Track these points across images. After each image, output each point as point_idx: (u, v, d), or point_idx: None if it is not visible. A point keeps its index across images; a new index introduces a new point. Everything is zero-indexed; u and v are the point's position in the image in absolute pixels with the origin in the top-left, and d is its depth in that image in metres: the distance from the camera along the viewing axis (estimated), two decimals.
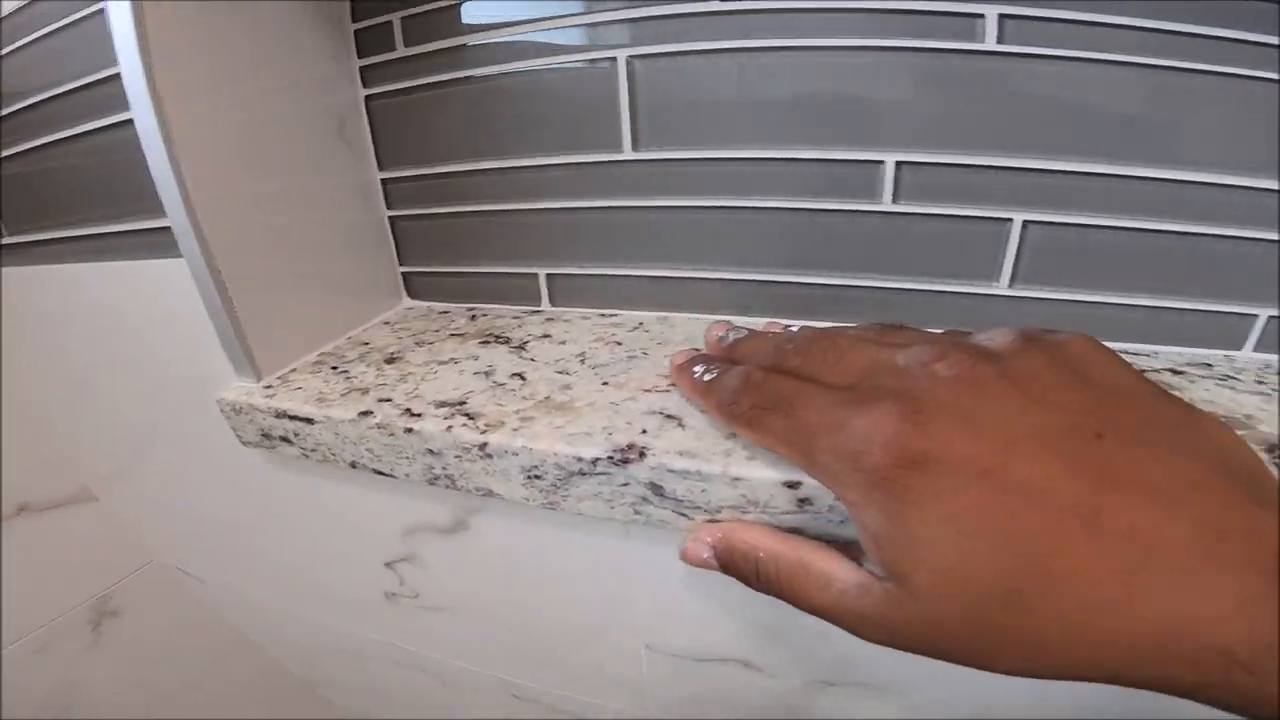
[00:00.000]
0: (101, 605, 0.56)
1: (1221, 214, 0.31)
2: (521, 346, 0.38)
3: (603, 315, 0.42)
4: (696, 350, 0.30)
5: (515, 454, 0.29)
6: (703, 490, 0.26)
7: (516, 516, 0.35)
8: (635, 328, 0.39)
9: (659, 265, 0.39)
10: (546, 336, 0.39)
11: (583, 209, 0.39)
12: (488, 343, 0.39)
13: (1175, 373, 0.32)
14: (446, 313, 0.45)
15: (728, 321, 0.31)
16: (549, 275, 0.42)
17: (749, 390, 0.23)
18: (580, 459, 0.27)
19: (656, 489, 0.27)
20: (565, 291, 0.42)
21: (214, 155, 0.33)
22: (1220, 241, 0.32)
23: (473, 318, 0.44)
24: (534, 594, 0.39)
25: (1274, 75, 0.28)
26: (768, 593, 0.23)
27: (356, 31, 0.40)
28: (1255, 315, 0.33)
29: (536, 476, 0.29)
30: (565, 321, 0.41)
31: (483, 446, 0.29)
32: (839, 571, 0.20)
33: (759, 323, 0.37)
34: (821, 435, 0.20)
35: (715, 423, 0.27)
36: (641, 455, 0.26)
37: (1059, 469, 0.16)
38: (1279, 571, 0.14)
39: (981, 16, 0.30)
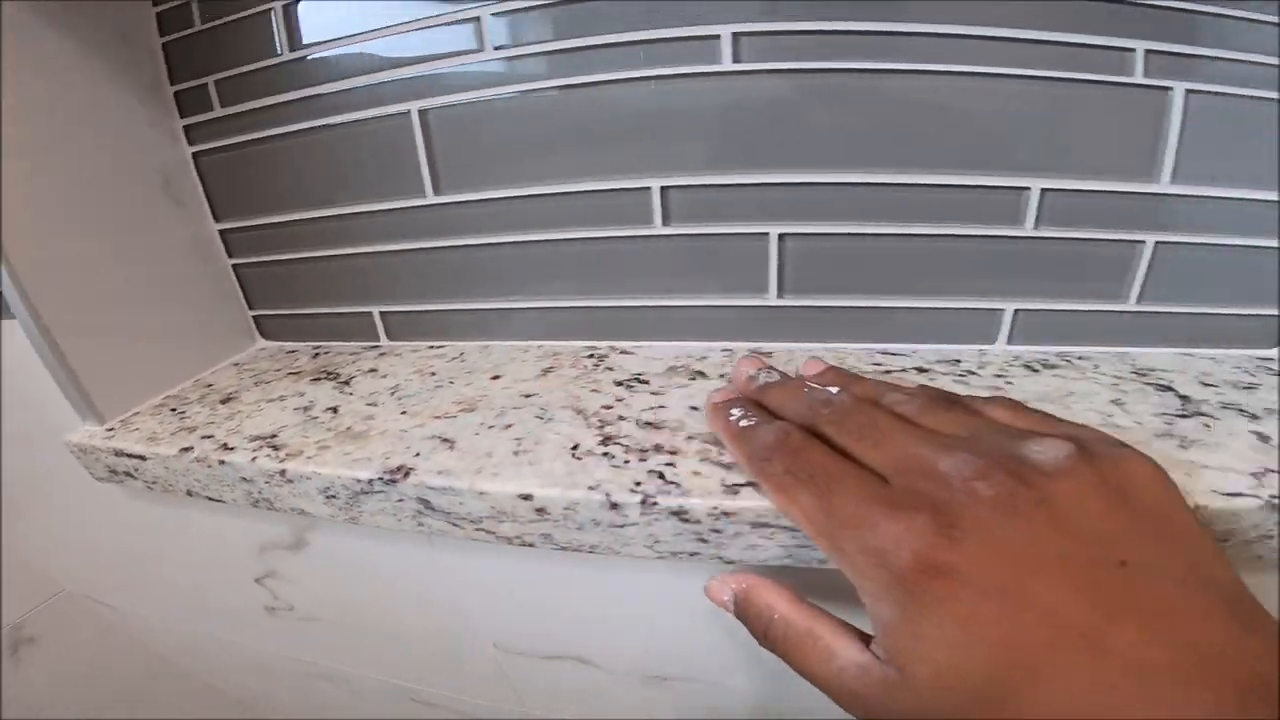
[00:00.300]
0: (15, 634, 0.60)
1: (967, 214, 0.35)
2: (346, 382, 0.42)
3: (431, 347, 0.45)
4: (732, 392, 0.31)
5: (309, 478, 0.33)
6: (460, 503, 0.30)
7: (344, 532, 0.39)
8: (455, 358, 0.43)
9: (476, 299, 0.43)
10: (373, 371, 0.43)
11: (403, 250, 0.43)
12: (318, 379, 0.43)
13: (921, 370, 0.36)
14: (294, 352, 0.49)
15: (759, 358, 0.31)
16: (382, 313, 0.46)
17: (784, 454, 0.24)
18: (359, 480, 0.32)
19: (425, 503, 0.31)
20: (401, 327, 0.46)
21: (33, 219, 0.36)
22: (967, 241, 0.36)
23: (315, 355, 0.47)
24: (387, 602, 0.43)
25: (1013, 71, 0.32)
26: (772, 651, 0.24)
27: (176, 93, 0.43)
28: (1003, 310, 0.37)
29: (332, 496, 0.33)
30: (396, 356, 0.45)
31: (282, 473, 0.33)
32: (843, 649, 0.21)
33: (575, 345, 0.42)
34: (851, 528, 0.20)
35: (738, 466, 0.27)
36: (406, 475, 0.31)
37: (1074, 595, 0.17)
38: (1252, 689, 0.15)
39: (717, 37, 0.33)
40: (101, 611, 0.63)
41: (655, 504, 0.27)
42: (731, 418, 0.27)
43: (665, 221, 0.38)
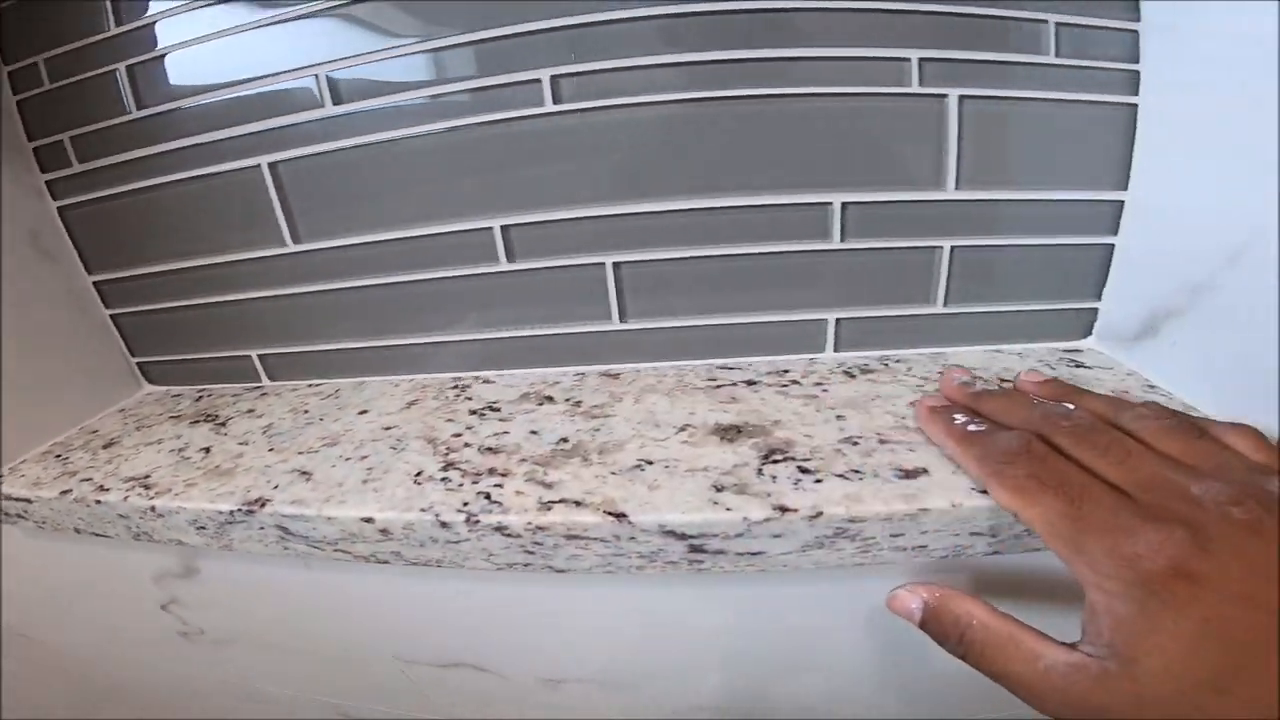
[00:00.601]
0: None
1: (783, 231, 0.40)
2: (224, 423, 0.45)
3: (310, 385, 0.49)
4: (942, 397, 0.33)
5: (177, 512, 0.36)
6: (314, 528, 0.34)
7: (229, 559, 0.42)
8: (331, 395, 0.47)
9: (349, 339, 0.47)
10: (250, 411, 0.46)
11: (273, 296, 0.46)
12: (197, 422, 0.46)
13: (750, 383, 0.41)
14: (179, 396, 0.52)
15: (966, 369, 0.34)
16: (260, 355, 0.49)
17: (1029, 459, 0.25)
18: (220, 511, 0.35)
19: (284, 530, 0.35)
20: (280, 368, 0.49)
21: None
22: (786, 257, 0.40)
23: (198, 399, 0.51)
24: (291, 621, 0.46)
25: (803, 90, 0.37)
26: (962, 657, 0.26)
27: (35, 149, 0.46)
28: (826, 320, 0.42)
29: (201, 527, 0.36)
30: (275, 395, 0.48)
31: (153, 509, 0.37)
32: (1049, 651, 0.23)
33: (442, 378, 0.46)
34: (1103, 535, 0.22)
35: (964, 472, 0.29)
36: (263, 505, 0.34)
37: None
38: None
39: (539, 81, 0.37)
40: (41, 649, 0.66)
41: (479, 522, 0.31)
42: (956, 422, 0.29)
43: (510, 258, 0.42)
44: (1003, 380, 0.38)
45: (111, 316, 0.51)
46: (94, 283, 0.50)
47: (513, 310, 0.43)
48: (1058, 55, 0.36)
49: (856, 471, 0.31)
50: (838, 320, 0.42)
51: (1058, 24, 0.36)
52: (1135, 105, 0.36)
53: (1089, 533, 0.22)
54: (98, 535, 0.40)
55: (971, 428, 0.29)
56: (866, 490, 0.30)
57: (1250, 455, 0.25)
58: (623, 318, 0.42)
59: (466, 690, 0.45)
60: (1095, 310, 0.41)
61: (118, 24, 0.41)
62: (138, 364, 0.53)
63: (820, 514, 0.29)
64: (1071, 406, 0.28)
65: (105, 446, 0.44)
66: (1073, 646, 0.23)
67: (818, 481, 0.31)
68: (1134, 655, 0.21)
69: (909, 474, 0.31)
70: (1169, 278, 0.36)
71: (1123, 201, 0.38)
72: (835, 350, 0.42)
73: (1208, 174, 0.34)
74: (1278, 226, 0.29)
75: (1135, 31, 0.35)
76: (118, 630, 0.55)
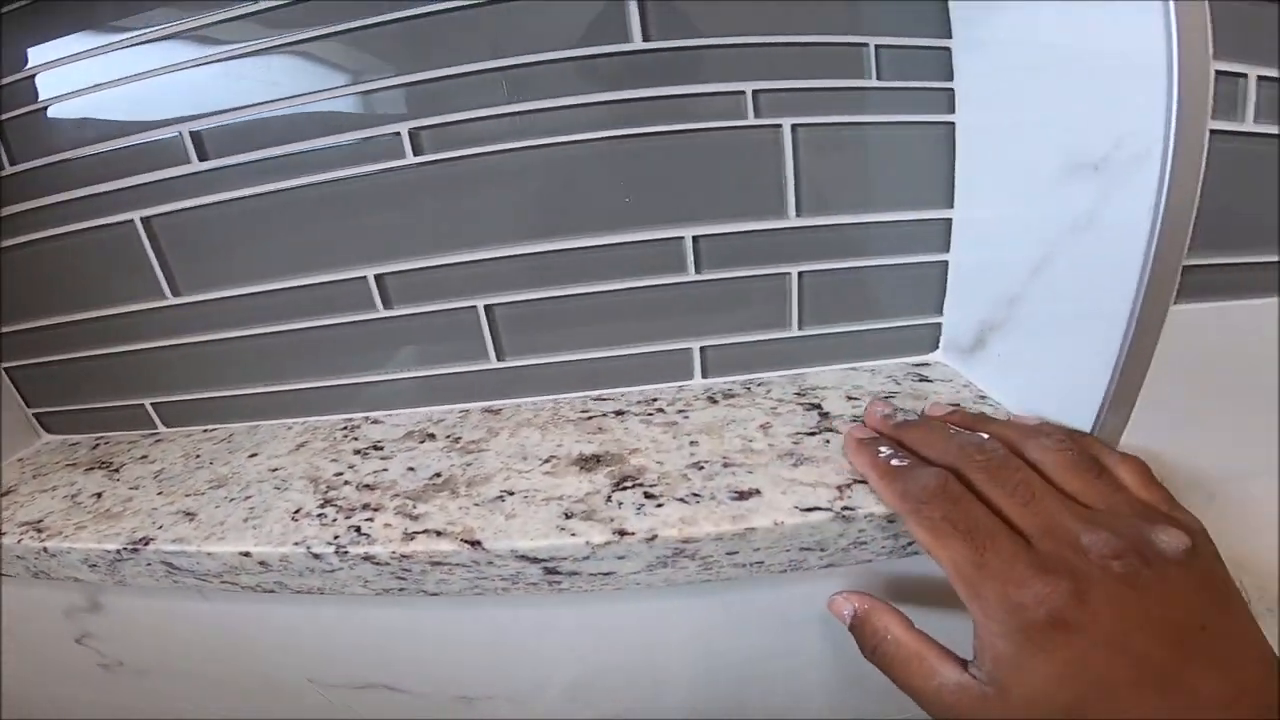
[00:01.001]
0: None
1: (644, 266, 0.44)
2: (117, 470, 0.49)
3: (205, 431, 0.53)
4: (868, 429, 0.36)
5: (68, 552, 0.40)
6: (198, 563, 0.38)
7: (129, 593, 0.45)
8: (224, 439, 0.51)
9: (239, 386, 0.50)
10: (144, 457, 0.50)
11: (161, 347, 0.50)
12: (92, 469, 0.50)
13: (619, 413, 0.45)
14: (76, 444, 0.55)
15: (888, 401, 0.37)
16: (154, 404, 0.53)
17: (944, 501, 0.28)
18: (108, 550, 0.39)
19: (169, 565, 0.38)
20: (175, 415, 0.53)
21: None
22: (650, 290, 0.45)
23: (95, 447, 0.54)
24: (204, 650, 0.49)
25: (646, 130, 0.41)
26: (877, 664, 0.30)
27: None
28: (691, 348, 0.47)
29: (94, 565, 0.40)
30: (170, 441, 0.52)
31: (45, 549, 0.40)
32: (945, 670, 0.27)
33: (333, 419, 0.50)
34: (998, 582, 0.26)
35: (883, 501, 0.32)
36: (147, 544, 0.38)
37: (1164, 648, 0.24)
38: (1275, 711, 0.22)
39: (398, 134, 0.42)
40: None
41: (348, 553, 0.35)
42: (881, 455, 0.32)
43: (386, 305, 0.46)
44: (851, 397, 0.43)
45: (6, 369, 0.54)
46: None
47: (395, 353, 0.47)
48: (879, 78, 0.40)
49: (696, 495, 0.36)
50: (702, 348, 0.46)
51: (877, 46, 0.40)
52: (953, 123, 0.41)
53: (987, 580, 0.26)
54: (6, 575, 0.43)
55: (895, 462, 0.31)
56: (701, 513, 0.34)
57: (1138, 492, 0.29)
58: (500, 356, 0.47)
59: (385, 709, 0.49)
60: (939, 325, 0.47)
61: None
62: (34, 414, 0.56)
63: (656, 536, 0.33)
64: (985, 437, 0.31)
65: (3, 495, 0.47)
66: (964, 667, 0.27)
67: (659, 506, 0.35)
68: (1008, 686, 0.26)
69: (742, 495, 0.35)
70: (990, 291, 0.42)
71: (950, 219, 0.44)
72: (704, 376, 0.47)
73: (1014, 187, 0.39)
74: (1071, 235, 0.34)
75: (949, 49, 0.40)
76: (43, 665, 0.57)
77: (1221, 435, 0.35)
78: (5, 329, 0.52)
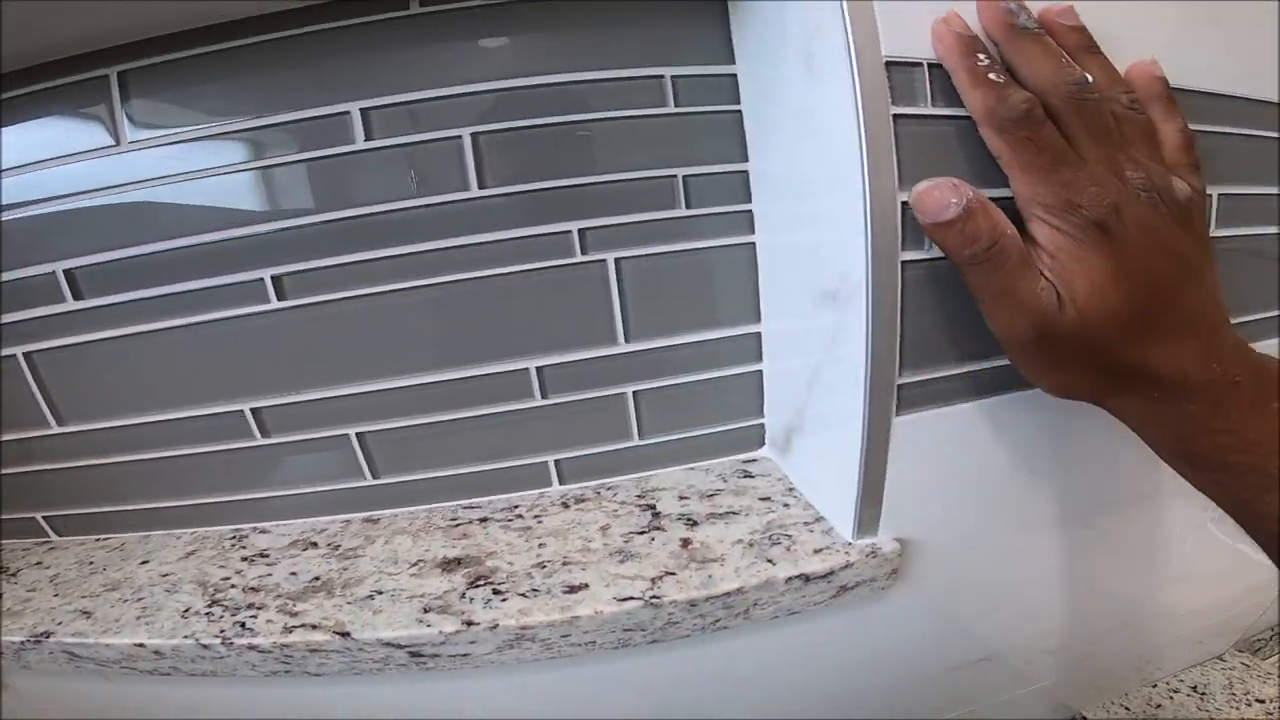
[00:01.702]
0: None
1: (495, 394, 0.55)
2: (14, 574, 0.56)
3: (97, 540, 0.62)
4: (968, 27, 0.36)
5: None
6: (97, 653, 0.46)
7: (33, 676, 0.53)
8: (117, 548, 0.60)
9: (129, 502, 0.58)
10: (39, 563, 0.58)
11: (49, 470, 0.58)
12: None
13: (484, 520, 0.57)
14: None
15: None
16: (45, 517, 0.61)
17: (1028, 124, 0.33)
18: (13, 642, 0.47)
19: (70, 653, 0.47)
20: (67, 526, 0.60)
21: None
22: (508, 415, 0.56)
23: None
24: None
25: (491, 272, 0.51)
26: (980, 264, 0.35)
27: None
28: (547, 461, 0.59)
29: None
30: (64, 549, 0.61)
31: None
32: (1037, 274, 0.35)
33: (222, 529, 0.60)
34: (1064, 189, 0.33)
35: (966, 105, 0.36)
36: (48, 636, 0.47)
37: (1165, 263, 0.34)
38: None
39: (262, 280, 0.49)
40: None
41: (233, 643, 0.45)
42: (978, 61, 0.34)
43: (264, 434, 0.55)
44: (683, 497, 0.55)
45: None
46: None
47: (276, 473, 0.57)
48: (688, 207, 0.49)
49: (535, 590, 0.46)
50: (557, 460, 0.58)
51: (684, 176, 0.49)
52: (754, 243, 0.51)
53: (1056, 186, 0.34)
54: None
55: (991, 75, 0.34)
56: (537, 605, 0.45)
57: (1172, 152, 0.37)
58: (374, 475, 0.57)
59: None
60: (763, 425, 0.59)
61: None
62: None
63: (497, 625, 0.44)
64: (1088, 79, 0.35)
65: None
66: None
67: (503, 600, 0.46)
68: (1072, 281, 0.34)
69: (573, 589, 0.46)
70: (788, 398, 0.54)
71: (760, 333, 0.55)
72: (561, 483, 0.58)
73: (793, 306, 0.48)
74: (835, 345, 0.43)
75: (746, 173, 0.50)
76: None
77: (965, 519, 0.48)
78: None
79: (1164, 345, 0.35)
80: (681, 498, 0.56)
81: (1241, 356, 0.36)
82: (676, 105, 0.50)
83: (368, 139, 0.48)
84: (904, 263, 0.38)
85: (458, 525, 0.55)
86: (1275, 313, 0.49)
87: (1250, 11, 0.46)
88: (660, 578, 0.46)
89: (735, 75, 0.50)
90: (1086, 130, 0.34)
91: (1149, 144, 0.37)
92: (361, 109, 0.48)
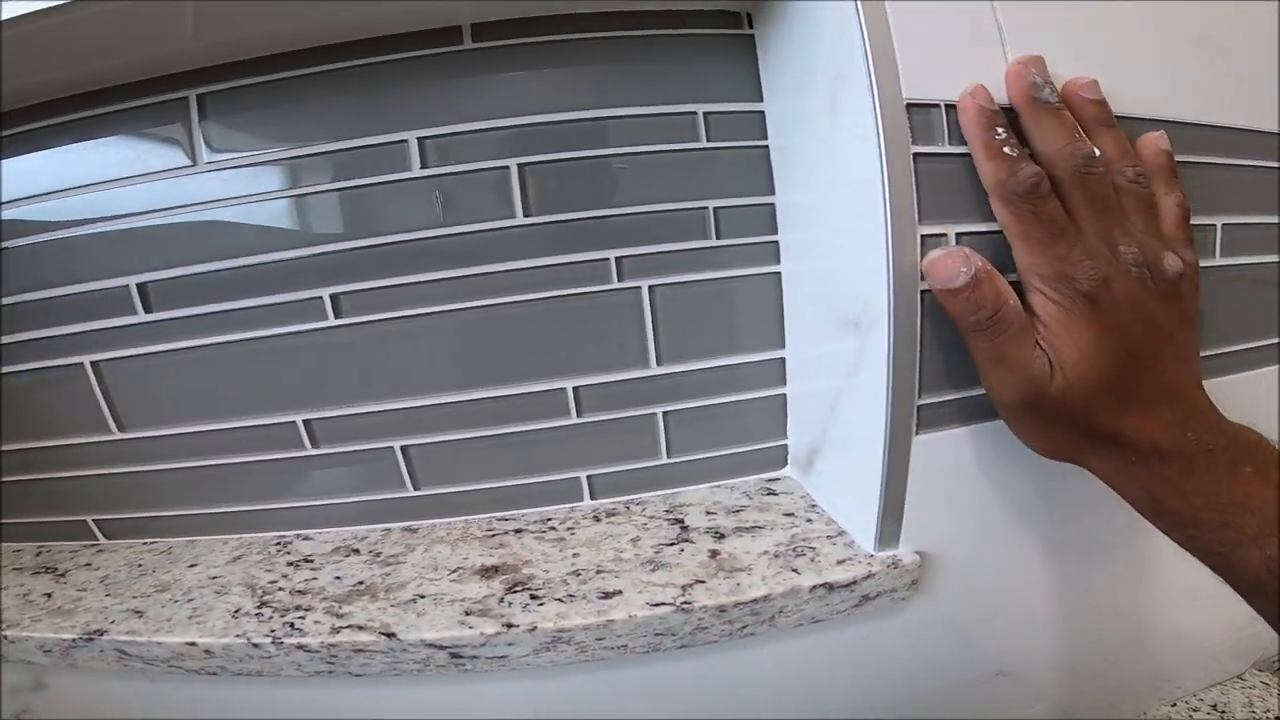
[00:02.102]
0: None
1: (536, 412, 0.59)
2: (63, 574, 0.60)
3: (146, 543, 0.66)
4: (992, 100, 0.39)
5: (26, 640, 0.51)
6: (148, 651, 0.49)
7: (80, 674, 0.55)
8: (164, 551, 0.63)
9: (177, 508, 0.62)
10: (88, 565, 0.62)
11: (105, 474, 0.62)
12: (38, 573, 0.60)
13: (517, 531, 0.61)
14: (19, 551, 0.66)
15: (1041, 59, 0.39)
16: (96, 520, 0.65)
17: (1033, 198, 0.36)
18: (63, 639, 0.50)
19: (122, 652, 0.49)
20: (115, 530, 0.64)
21: None
22: (543, 432, 0.60)
23: (38, 554, 0.64)
24: None
25: (534, 296, 0.55)
26: (983, 330, 0.38)
27: None
28: (579, 477, 0.62)
29: (49, 651, 0.49)
30: (111, 552, 0.64)
31: (5, 636, 0.51)
32: (1034, 342, 0.37)
33: (266, 536, 0.63)
34: (1059, 261, 0.36)
35: (979, 174, 0.39)
36: (101, 634, 0.50)
37: (1148, 338, 0.37)
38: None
39: (320, 298, 0.53)
40: None
41: (283, 643, 0.48)
42: (998, 137, 0.37)
43: (314, 445, 0.59)
44: (705, 514, 0.59)
45: None
46: None
47: (323, 483, 0.60)
48: (719, 237, 0.52)
49: (571, 596, 0.49)
50: (589, 476, 0.61)
51: (715, 208, 0.52)
52: (779, 273, 0.54)
53: (1052, 259, 0.36)
54: None
55: (1006, 150, 0.37)
56: (573, 609, 0.48)
57: (1169, 226, 0.40)
58: (415, 486, 0.60)
59: None
60: (786, 445, 0.63)
61: None
62: None
63: (536, 628, 0.47)
64: (1096, 153, 0.37)
65: None
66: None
67: (541, 604, 0.49)
68: (1061, 350, 0.37)
69: (607, 595, 0.49)
70: (812, 420, 0.57)
71: (784, 358, 0.58)
72: (592, 498, 0.61)
73: (816, 333, 0.51)
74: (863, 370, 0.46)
75: (773, 205, 0.53)
76: None
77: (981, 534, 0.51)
78: None
79: (1139, 413, 0.37)
80: (708, 513, 0.59)
81: (1215, 426, 0.38)
82: (708, 140, 0.54)
83: (423, 166, 0.52)
84: (923, 292, 0.40)
85: (494, 535, 0.58)
86: (1275, 340, 0.52)
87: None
88: (690, 585, 0.49)
89: (763, 112, 0.55)
90: (1087, 203, 0.37)
91: (1147, 217, 0.39)
92: (418, 138, 0.52)
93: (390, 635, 0.47)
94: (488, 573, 0.54)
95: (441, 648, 0.48)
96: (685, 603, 0.47)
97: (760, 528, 0.53)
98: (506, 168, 0.52)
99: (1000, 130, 0.37)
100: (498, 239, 0.52)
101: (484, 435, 0.59)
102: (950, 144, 0.39)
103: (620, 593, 0.50)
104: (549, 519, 0.61)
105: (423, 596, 0.51)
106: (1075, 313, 0.36)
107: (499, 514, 0.62)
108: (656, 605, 0.48)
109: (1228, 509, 0.36)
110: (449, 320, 0.55)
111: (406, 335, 0.56)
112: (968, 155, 0.39)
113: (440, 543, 0.59)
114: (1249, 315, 0.50)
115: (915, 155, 0.39)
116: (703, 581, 0.49)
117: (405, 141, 0.52)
